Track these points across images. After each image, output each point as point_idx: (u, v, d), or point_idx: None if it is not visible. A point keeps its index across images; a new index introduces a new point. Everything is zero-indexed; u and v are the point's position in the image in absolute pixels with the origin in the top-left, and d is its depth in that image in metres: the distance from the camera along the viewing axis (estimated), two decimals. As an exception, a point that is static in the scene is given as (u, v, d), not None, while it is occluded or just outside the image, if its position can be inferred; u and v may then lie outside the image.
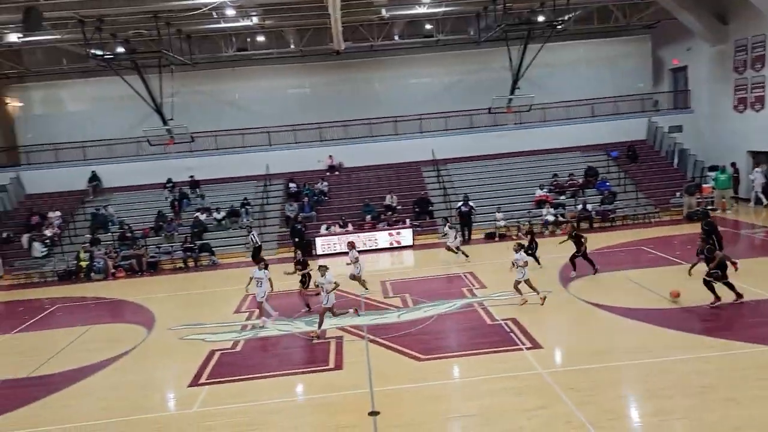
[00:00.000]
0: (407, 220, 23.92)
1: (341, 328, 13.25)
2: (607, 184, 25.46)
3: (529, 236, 18.20)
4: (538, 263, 17.23)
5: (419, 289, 16.30)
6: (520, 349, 11.19)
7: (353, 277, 16.25)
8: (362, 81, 30.73)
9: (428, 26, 29.18)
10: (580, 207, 23.61)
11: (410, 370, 10.75)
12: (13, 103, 30.06)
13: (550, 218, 23.37)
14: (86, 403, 10.52)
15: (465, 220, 22.69)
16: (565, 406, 8.78)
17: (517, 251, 14.04)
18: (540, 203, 24.45)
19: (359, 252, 17.08)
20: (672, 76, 30.71)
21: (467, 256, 19.20)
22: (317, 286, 13.40)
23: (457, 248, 19.42)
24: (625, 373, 9.96)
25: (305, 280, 15.47)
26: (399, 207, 25.06)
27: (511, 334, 12.04)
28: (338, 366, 11.22)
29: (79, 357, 12.87)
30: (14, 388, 11.45)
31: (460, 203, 23.12)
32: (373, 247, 22.70)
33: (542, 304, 13.58)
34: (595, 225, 23.29)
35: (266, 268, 14.24)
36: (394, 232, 23.17)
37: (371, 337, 12.56)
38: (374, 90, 30.96)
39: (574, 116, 29.25)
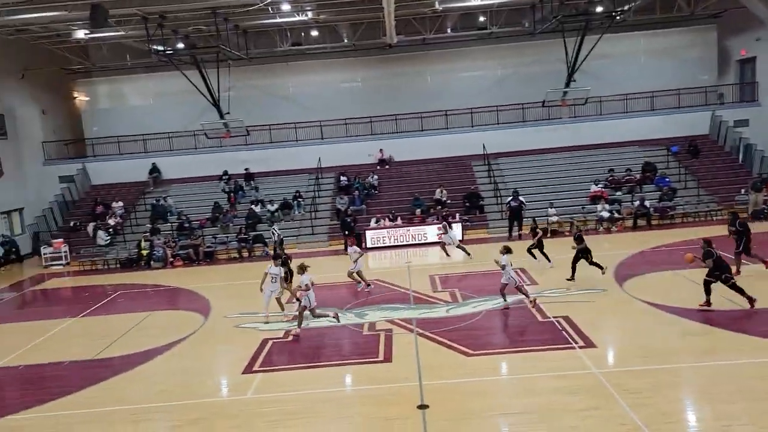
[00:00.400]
0: (457, 215, 23.78)
1: (390, 321, 13.34)
2: (667, 180, 24.57)
3: (538, 233, 17.84)
4: (548, 260, 17.11)
5: (468, 284, 16.23)
6: (573, 348, 11.00)
7: (350, 275, 16.35)
8: (413, 74, 30.65)
9: (482, 18, 28.80)
10: (637, 203, 22.91)
11: (459, 364, 10.73)
12: (80, 98, 31.50)
13: (605, 214, 22.77)
14: (146, 386, 10.99)
15: (515, 216, 22.35)
16: (619, 407, 8.59)
17: (503, 253, 13.61)
18: (595, 199, 23.85)
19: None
20: (739, 67, 29.25)
21: (469, 253, 19.05)
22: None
23: (459, 245, 19.32)
24: (683, 375, 9.66)
25: (287, 276, 15.49)
26: (449, 201, 24.94)
27: (564, 332, 11.84)
28: (387, 358, 11.31)
29: (139, 342, 13.42)
30: (81, 369, 12.07)
31: (510, 198, 22.81)
32: (423, 241, 22.69)
33: (533, 307, 13.31)
34: (653, 222, 22.56)
35: (283, 264, 14.48)
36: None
37: (420, 330, 12.60)
38: (425, 83, 30.83)
39: (633, 109, 28.33)
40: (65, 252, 23.91)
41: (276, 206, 25.56)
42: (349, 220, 22.93)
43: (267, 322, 13.95)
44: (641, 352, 10.60)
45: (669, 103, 28.18)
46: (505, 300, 13.66)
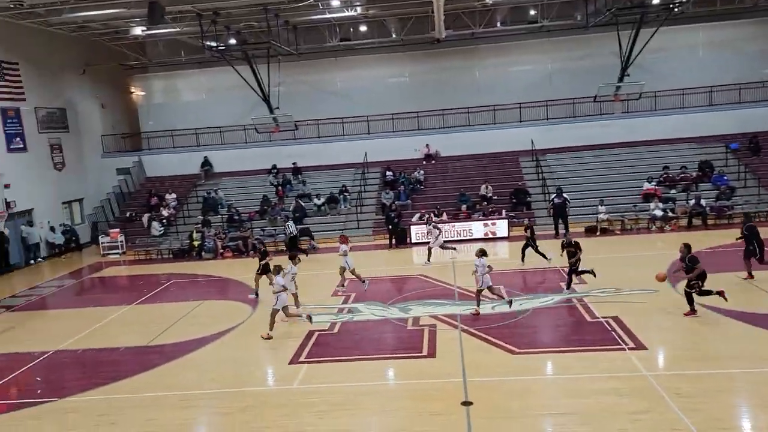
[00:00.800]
0: (503, 211, 23.51)
1: (434, 317, 13.34)
2: (725, 178, 23.61)
3: (528, 231, 17.91)
4: (546, 258, 17.27)
5: (514, 281, 16.04)
6: (623, 349, 10.74)
7: (343, 270, 16.20)
8: (461, 69, 30.41)
9: (532, 12, 28.32)
10: (692, 202, 22.11)
11: (504, 362, 10.65)
12: (137, 92, 32.63)
13: (659, 213, 22.07)
14: (196, 373, 11.34)
15: (559, 213, 21.91)
16: (671, 411, 8.36)
17: (479, 256, 13.28)
18: (647, 197, 23.14)
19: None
20: (805, 60, 27.82)
21: (455, 249, 18.96)
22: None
23: (443, 246, 19.04)
24: (738, 381, 9.31)
25: (261, 269, 15.81)
26: (495, 197, 24.69)
27: (613, 332, 11.58)
28: (431, 354, 11.33)
29: (190, 330, 13.85)
30: (136, 355, 12.56)
31: (554, 195, 22.39)
32: (468, 237, 22.54)
33: (510, 308, 13.23)
34: (709, 222, 21.74)
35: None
36: (489, 222, 22.87)
37: (464, 327, 12.55)
38: (473, 78, 30.54)
39: (690, 105, 27.33)
40: (121, 241, 24.89)
41: (322, 200, 25.86)
42: (393, 215, 22.98)
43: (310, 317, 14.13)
44: (694, 356, 10.28)
45: (729, 98, 27.05)
46: (478, 305, 13.50)
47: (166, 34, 27.18)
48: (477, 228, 22.70)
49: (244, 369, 11.34)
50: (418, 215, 23.49)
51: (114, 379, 11.18)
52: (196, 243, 23.35)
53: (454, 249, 19.24)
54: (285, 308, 12.91)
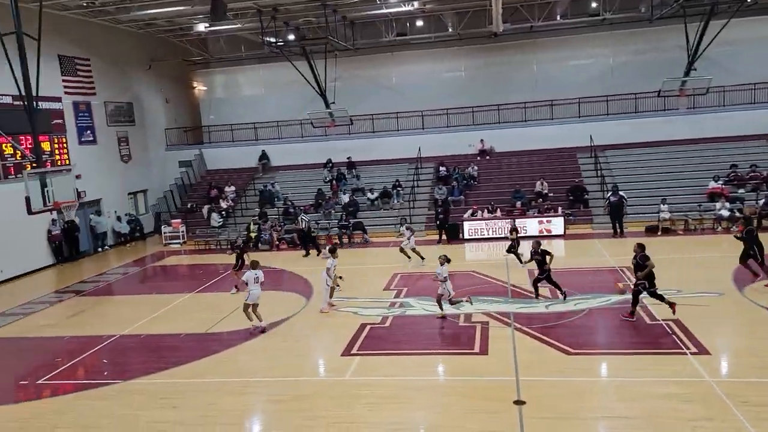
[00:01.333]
0: (559, 208, 23.03)
1: (487, 314, 13.23)
2: (800, 177, 22.35)
3: (515, 233, 18.00)
4: (521, 262, 17.07)
5: (570, 280, 15.59)
6: (684, 354, 10.37)
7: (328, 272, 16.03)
8: (518, 63, 29.91)
9: (594, 4, 27.51)
10: (762, 202, 21.03)
11: (558, 362, 10.47)
12: (199, 87, 33.69)
13: (725, 213, 21.12)
14: (252, 361, 11.69)
15: (615, 212, 21.24)
16: (736, 420, 8.03)
17: (441, 263, 13.09)
18: (713, 196, 22.17)
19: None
20: None
21: (423, 258, 18.36)
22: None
23: (413, 250, 18.63)
24: (811, 393, 8.83)
25: (237, 264, 16.61)
26: (550, 194, 24.20)
27: (674, 336, 11.20)
28: (483, 351, 11.25)
29: (246, 319, 14.19)
30: (196, 342, 13.02)
31: (609, 193, 21.74)
32: (522, 234, 22.15)
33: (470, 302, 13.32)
34: (781, 223, 20.63)
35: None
36: (544, 219, 22.44)
37: (517, 325, 12.40)
38: (531, 73, 29.98)
39: (760, 100, 25.96)
40: (182, 232, 25.82)
41: (376, 194, 26.03)
42: (439, 210, 22.88)
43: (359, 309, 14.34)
44: (763, 363, 9.80)
45: (805, 94, 25.57)
46: (441, 309, 13.30)
47: (228, 30, 27.92)
48: (531, 225, 22.33)
49: (297, 359, 11.59)
50: (470, 211, 23.31)
51: (175, 364, 11.65)
52: (253, 235, 23.94)
53: (423, 258, 18.62)
54: (254, 305, 13.14)
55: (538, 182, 24.55)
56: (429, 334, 12.60)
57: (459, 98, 29.32)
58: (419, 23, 29.32)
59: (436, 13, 27.94)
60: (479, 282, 16.21)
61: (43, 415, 9.87)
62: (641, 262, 12.07)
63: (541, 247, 14.22)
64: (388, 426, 8.63)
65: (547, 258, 13.98)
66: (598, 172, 25.09)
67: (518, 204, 23.59)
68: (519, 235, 18.56)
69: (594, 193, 24.13)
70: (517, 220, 22.46)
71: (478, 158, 27.76)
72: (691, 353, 10.35)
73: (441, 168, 26.81)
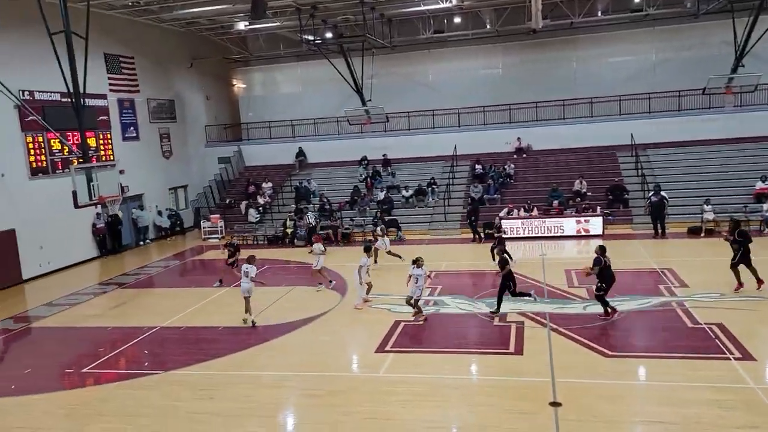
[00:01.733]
0: (598, 208, 22.60)
1: (522, 314, 13.10)
2: None
3: (501, 233, 17.95)
4: (494, 259, 16.84)
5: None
6: (728, 359, 10.07)
7: (315, 273, 16.39)
8: (557, 60, 29.47)
9: (637, 0, 26.86)
10: (813, 204, 20.25)
11: (595, 364, 10.30)
12: (238, 85, 34.26)
13: (773, 215, 20.39)
14: (287, 355, 11.84)
15: (656, 212, 20.71)
16: (781, 429, 7.78)
17: (419, 265, 13.07)
18: (760, 197, 21.43)
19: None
20: None
21: (401, 257, 18.10)
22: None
23: (388, 252, 18.51)
24: None
25: (232, 261, 17.17)
26: (589, 193, 23.78)
27: (717, 340, 10.88)
28: (518, 351, 11.16)
29: (282, 314, 14.44)
30: (234, 335, 13.27)
31: (651, 193, 21.21)
32: (559, 234, 21.90)
33: (421, 323, 12.94)
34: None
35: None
36: (582, 219, 22.07)
37: (553, 326, 12.24)
38: (570, 70, 29.52)
39: (814, 98, 24.98)
40: (221, 227, 26.32)
41: (411, 192, 26.02)
42: (470, 208, 22.74)
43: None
44: (811, 372, 9.47)
45: None
46: (421, 312, 13.27)
47: (267, 29, 28.28)
48: (569, 225, 21.99)
49: (332, 354, 11.70)
50: (506, 210, 23.07)
51: (213, 356, 11.90)
52: (289, 231, 24.24)
53: (401, 257, 18.43)
54: (247, 298, 13.61)
55: (577, 181, 24.16)
56: (463, 332, 12.56)
57: (496, 96, 29.05)
58: (457, 20, 29.14)
59: (474, 9, 27.72)
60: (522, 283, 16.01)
61: (88, 402, 10.22)
62: (594, 265, 12.40)
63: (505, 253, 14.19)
64: (423, 423, 8.64)
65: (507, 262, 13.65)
66: (639, 171, 24.52)
67: (555, 203, 23.25)
68: (504, 234, 18.29)
69: (634, 193, 23.60)
70: (554, 220, 22.22)
71: (515, 156, 27.46)
72: (735, 358, 10.04)
73: (477, 166, 26.62)
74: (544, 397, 9.11)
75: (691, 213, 21.66)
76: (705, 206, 20.97)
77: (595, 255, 12.54)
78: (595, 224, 21.78)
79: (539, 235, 22.02)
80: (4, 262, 18.21)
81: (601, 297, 12.50)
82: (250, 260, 13.96)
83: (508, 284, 13.23)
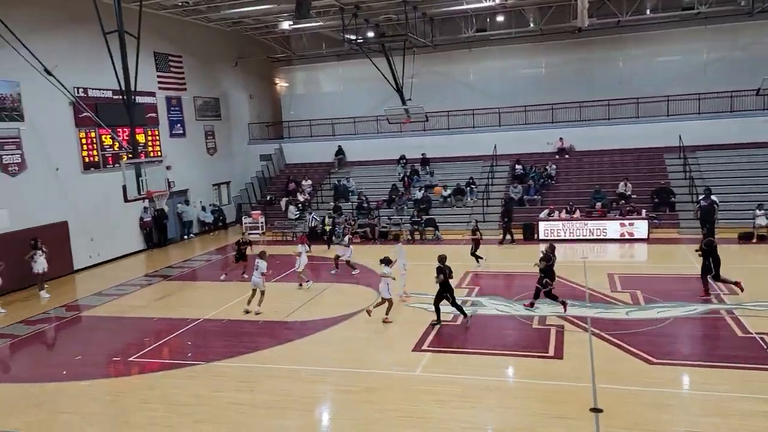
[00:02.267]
0: (643, 211, 22.05)
1: (562, 317, 12.91)
2: None
3: (478, 234, 18.63)
4: (477, 261, 17.94)
5: (653, 287, 15.01)
6: (780, 370, 9.71)
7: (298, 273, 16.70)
8: (603, 60, 28.89)
9: (687, -2, 26.10)
10: None
11: (639, 371, 10.06)
12: (280, 84, 34.75)
13: (831, 222, 19.52)
14: (323, 350, 11.98)
15: (705, 217, 20.04)
16: (835, 445, 7.46)
17: (384, 264, 13.52)
18: (817, 203, 20.52)
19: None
20: None
21: (355, 268, 18.25)
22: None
23: (347, 262, 18.33)
24: None
25: (241, 257, 18.05)
26: (634, 196, 23.22)
27: None
28: (558, 355, 11.00)
29: (319, 310, 14.62)
30: (273, 329, 13.50)
31: (701, 197, 20.54)
32: (601, 237, 21.47)
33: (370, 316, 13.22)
34: None
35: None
36: (626, 222, 21.57)
37: (595, 330, 12.02)
38: (616, 69, 28.89)
39: None
40: (262, 223, 26.77)
41: (449, 191, 25.91)
42: (503, 209, 22.51)
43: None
44: None
45: None
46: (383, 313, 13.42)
47: (310, 28, 28.59)
48: (612, 228, 21.53)
49: (368, 351, 11.78)
50: (546, 211, 22.76)
51: (253, 349, 12.14)
52: (327, 228, 24.45)
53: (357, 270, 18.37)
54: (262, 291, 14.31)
55: (621, 183, 23.62)
56: (501, 334, 12.46)
57: (538, 95, 28.69)
58: (499, 18, 28.84)
59: (517, 8, 27.40)
60: (555, 284, 15.75)
61: (134, 390, 10.56)
62: (542, 260, 13.47)
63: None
64: (459, 424, 8.62)
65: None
66: (687, 173, 23.82)
67: (598, 205, 22.79)
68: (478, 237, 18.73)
69: (681, 196, 22.94)
70: (597, 223, 21.80)
71: (557, 157, 27.02)
72: (788, 370, 9.68)
73: (517, 166, 26.31)
74: (584, 402, 8.95)
75: (742, 218, 20.92)
76: (757, 211, 20.23)
77: (543, 252, 13.74)
78: (640, 228, 21.26)
79: (580, 237, 21.63)
80: (57, 253, 18.94)
81: (549, 292, 13.37)
82: (262, 255, 14.59)
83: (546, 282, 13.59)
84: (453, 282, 16.13)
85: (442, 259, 12.88)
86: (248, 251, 18.43)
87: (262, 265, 14.38)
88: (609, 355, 10.78)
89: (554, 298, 13.34)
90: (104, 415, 9.70)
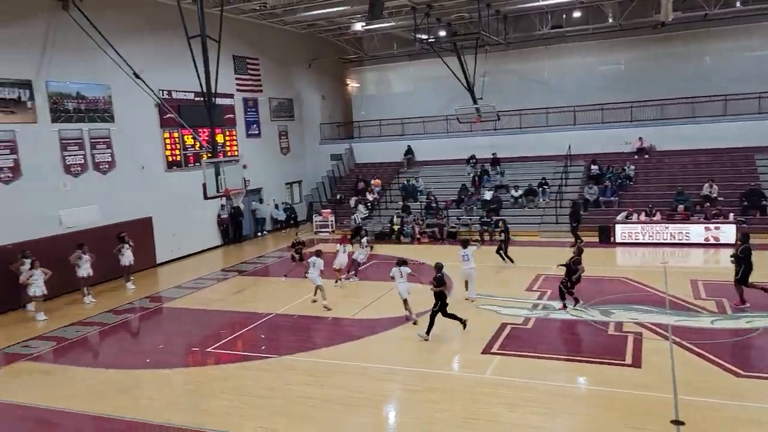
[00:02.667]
0: (730, 215, 20.78)
1: (640, 324, 12.37)
2: None
3: (503, 235, 18.55)
4: (505, 260, 18.14)
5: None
6: None
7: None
8: (687, 55, 27.47)
9: (783, -14, 24.35)
10: None
11: (724, 384, 9.50)
12: (352, 84, 35.22)
13: None
14: (389, 348, 12.06)
15: None
16: None
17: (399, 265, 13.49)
18: None
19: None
20: None
21: (356, 275, 17.93)
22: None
23: (353, 262, 17.76)
24: None
25: (297, 256, 18.46)
26: (720, 198, 21.93)
27: None
28: (636, 363, 10.55)
29: (386, 308, 14.62)
30: (341, 326, 13.72)
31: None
32: (684, 241, 20.40)
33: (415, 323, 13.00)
34: None
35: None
36: (711, 226, 20.40)
37: (676, 339, 11.44)
38: (701, 65, 27.41)
39: None
40: (331, 221, 27.22)
41: (520, 192, 25.40)
42: (570, 211, 21.77)
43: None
44: None
45: None
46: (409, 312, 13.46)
47: (382, 29, 28.78)
48: (696, 231, 20.43)
49: (437, 352, 11.72)
50: (624, 213, 21.87)
51: (323, 345, 12.40)
52: (396, 227, 24.56)
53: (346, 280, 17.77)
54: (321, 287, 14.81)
55: (706, 184, 22.38)
56: (574, 339, 12.11)
57: (616, 93, 27.63)
58: (576, 14, 27.98)
59: (595, 3, 26.47)
60: (632, 290, 15.17)
61: (211, 380, 11.01)
62: (573, 266, 13.45)
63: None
64: (529, 429, 8.44)
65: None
66: (781, 175, 22.28)
67: (681, 208, 21.66)
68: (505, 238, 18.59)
69: (774, 200, 21.47)
70: (679, 226, 20.77)
71: (636, 157, 25.91)
72: None
73: (593, 166, 25.44)
74: (665, 414, 8.54)
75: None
76: None
77: (577, 257, 13.76)
78: (727, 232, 20.05)
79: (661, 241, 20.66)
80: (142, 246, 20.02)
81: (566, 289, 13.67)
82: (318, 254, 15.14)
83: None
84: (523, 285, 16.00)
85: (439, 267, 12.52)
86: (303, 250, 18.83)
87: (319, 262, 15.01)
88: (691, 366, 10.24)
89: (562, 296, 13.68)
90: (184, 403, 10.16)
